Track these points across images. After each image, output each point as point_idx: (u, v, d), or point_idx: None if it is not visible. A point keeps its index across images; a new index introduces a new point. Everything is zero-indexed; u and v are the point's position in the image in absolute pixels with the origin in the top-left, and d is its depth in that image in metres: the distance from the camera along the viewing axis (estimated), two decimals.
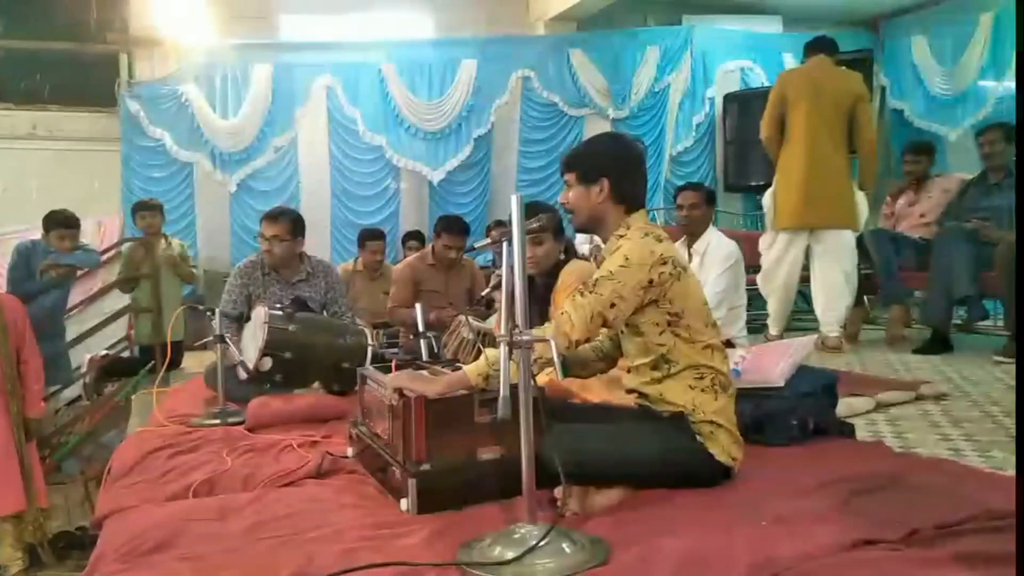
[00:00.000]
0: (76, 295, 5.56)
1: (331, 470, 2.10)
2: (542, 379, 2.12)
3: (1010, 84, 6.20)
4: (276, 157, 6.38)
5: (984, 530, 1.49)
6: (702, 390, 1.82)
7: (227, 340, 2.88)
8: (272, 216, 3.42)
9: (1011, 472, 1.96)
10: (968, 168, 5.02)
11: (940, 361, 3.81)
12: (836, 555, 1.40)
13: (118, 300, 5.51)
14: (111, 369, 5.23)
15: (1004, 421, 2.58)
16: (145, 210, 5.15)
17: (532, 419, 1.53)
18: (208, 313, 3.01)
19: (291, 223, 3.39)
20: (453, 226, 4.16)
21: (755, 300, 6.20)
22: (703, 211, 3.76)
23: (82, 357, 5.30)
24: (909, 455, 2.14)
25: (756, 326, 5.45)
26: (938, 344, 4.05)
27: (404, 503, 1.76)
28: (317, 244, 5.57)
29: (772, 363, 2.35)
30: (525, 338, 1.51)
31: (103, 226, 6.21)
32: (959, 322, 4.43)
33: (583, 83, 6.80)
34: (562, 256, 2.82)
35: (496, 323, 3.00)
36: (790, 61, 7.15)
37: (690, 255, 3.78)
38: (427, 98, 6.58)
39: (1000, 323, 4.44)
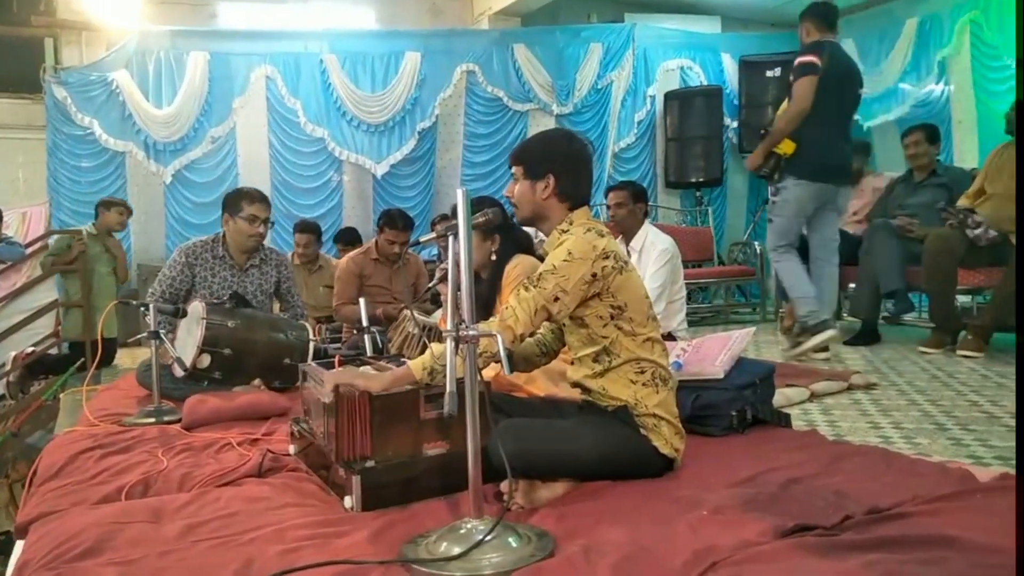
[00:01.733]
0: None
1: (272, 468, 2.06)
2: (488, 374, 2.12)
3: (931, 86, 6.45)
4: (213, 148, 6.19)
5: (912, 514, 1.55)
6: (643, 384, 1.85)
7: (162, 336, 2.79)
8: (264, 199, 3.32)
9: (936, 458, 2.05)
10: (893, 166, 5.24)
11: (869, 352, 3.96)
12: (773, 541, 1.45)
13: (45, 294, 5.29)
14: (37, 367, 5.02)
15: (929, 410, 2.70)
16: (122, 207, 5.09)
17: (478, 414, 1.52)
18: (142, 308, 2.91)
19: (269, 205, 3.37)
20: (396, 220, 4.12)
21: (694, 294, 6.36)
22: (629, 209, 3.80)
23: (6, 354, 5.08)
24: (842, 443, 2.22)
25: (695, 319, 5.58)
26: (867, 336, 4.21)
27: (348, 501, 1.73)
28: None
29: (712, 355, 2.41)
30: (471, 333, 1.51)
31: (28, 217, 5.95)
32: (887, 314, 4.61)
33: (527, 78, 6.81)
34: (494, 257, 2.82)
35: (442, 318, 2.98)
36: (728, 61, 7.32)
37: (628, 252, 3.82)
38: (370, 90, 6.49)
39: (925, 316, 4.64)
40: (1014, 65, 5.69)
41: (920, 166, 4.42)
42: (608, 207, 3.91)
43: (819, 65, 3.71)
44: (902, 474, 1.82)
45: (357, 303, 3.17)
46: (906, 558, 1.36)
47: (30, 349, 5.13)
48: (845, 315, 4.82)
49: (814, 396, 2.94)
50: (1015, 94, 3.85)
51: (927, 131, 4.45)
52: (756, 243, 6.41)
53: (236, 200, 3.25)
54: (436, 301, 4.39)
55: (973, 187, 4.08)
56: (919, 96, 6.49)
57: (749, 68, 7.18)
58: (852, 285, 4.48)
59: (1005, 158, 3.89)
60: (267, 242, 5.49)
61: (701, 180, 7.14)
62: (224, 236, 3.29)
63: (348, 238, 5.56)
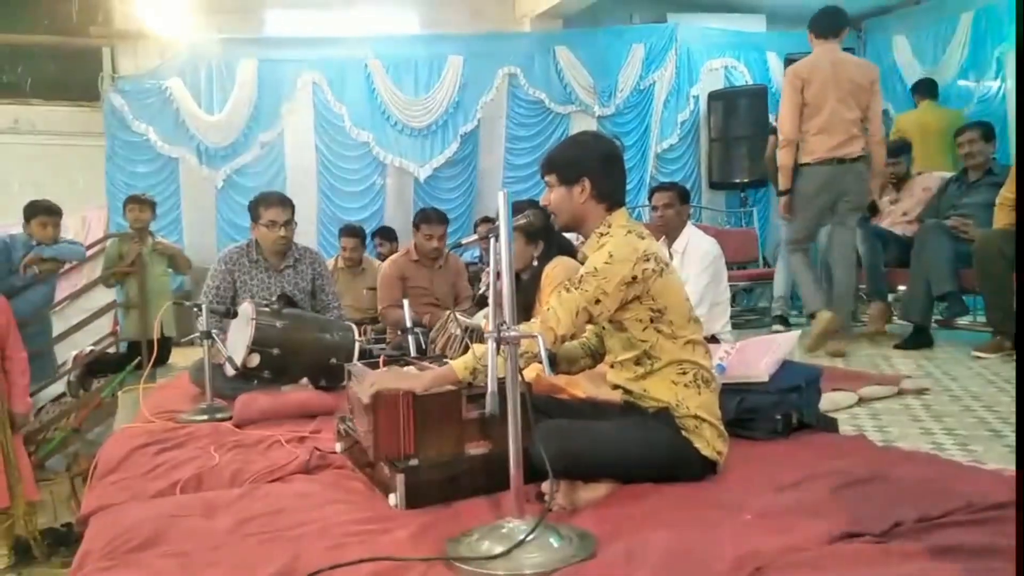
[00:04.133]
0: (61, 290, 5.52)
1: (319, 466, 2.11)
2: (529, 375, 2.13)
3: (989, 83, 6.26)
4: (262, 153, 6.33)
5: (965, 523, 1.52)
6: (685, 385, 1.84)
7: (214, 336, 2.87)
8: (280, 201, 3.37)
9: (992, 465, 2.00)
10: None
11: (921, 356, 3.86)
12: (819, 548, 1.43)
13: (104, 296, 5.47)
14: (97, 365, 5.19)
15: (984, 415, 2.62)
16: (135, 203, 5.12)
17: (520, 414, 1.54)
18: (195, 309, 3.00)
19: (292, 204, 3.42)
20: (431, 215, 4.17)
21: (738, 296, 6.27)
22: (676, 210, 3.77)
23: (67, 353, 5.26)
24: (891, 449, 2.17)
25: (740, 321, 5.50)
26: (919, 339, 4.10)
27: (393, 498, 1.76)
28: (303, 240, 5.53)
29: (756, 358, 2.38)
30: (513, 334, 1.52)
31: (87, 221, 6.16)
32: (940, 318, 4.49)
33: (569, 80, 6.80)
34: (536, 263, 2.84)
35: (484, 320, 3.01)
36: (774, 60, 7.20)
37: (670, 254, 3.79)
38: (413, 94, 6.56)
39: (980, 319, 4.50)
40: None
41: (975, 165, 4.29)
42: (655, 208, 3.88)
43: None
44: (955, 481, 1.78)
45: (401, 306, 3.21)
46: (957, 567, 1.33)
47: (89, 348, 5.30)
48: (896, 318, 4.70)
49: (863, 400, 2.88)
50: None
51: (982, 129, 4.31)
52: None
53: (255, 207, 3.35)
54: (482, 303, 4.43)
55: (1012, 189, 3.83)
56: (978, 93, 6.28)
57: None
58: (903, 288, 4.37)
59: None
60: (313, 245, 5.61)
61: (746, 181, 7.03)
62: (256, 241, 3.40)
63: (385, 233, 5.80)
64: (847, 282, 4.08)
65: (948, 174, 4.61)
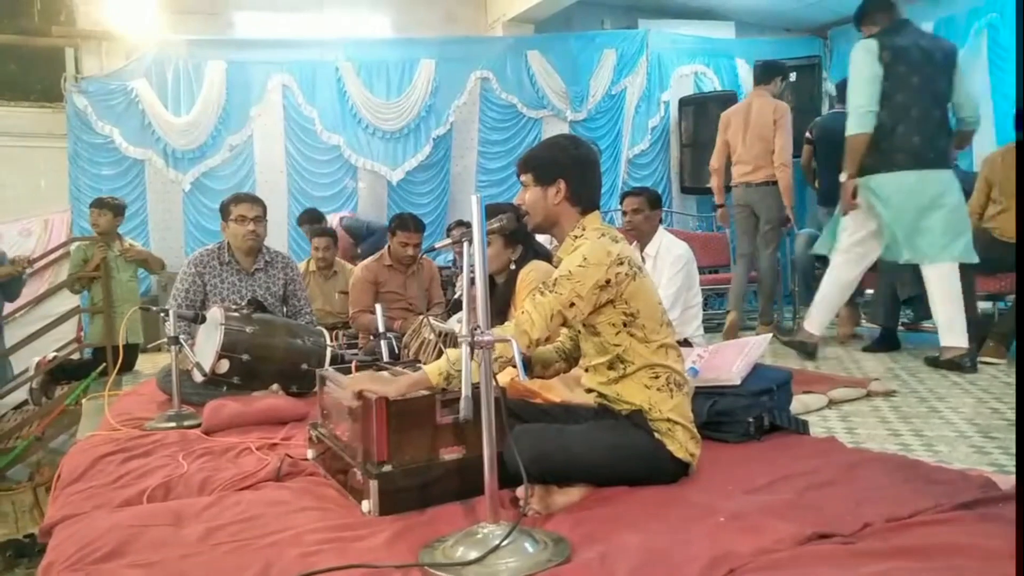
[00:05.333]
0: (24, 295, 5.39)
1: (290, 473, 2.08)
2: (503, 379, 2.13)
3: None
4: (231, 156, 6.25)
5: (932, 523, 1.54)
6: (658, 389, 1.85)
7: (181, 342, 2.82)
8: (250, 198, 3.38)
9: (957, 466, 2.04)
10: None
11: (888, 359, 3.93)
12: (791, 549, 1.44)
13: (67, 301, 5.35)
14: (60, 372, 5.08)
15: (950, 417, 2.67)
16: (96, 207, 5.01)
17: (494, 419, 1.53)
18: (162, 314, 2.95)
19: (263, 203, 3.41)
20: (408, 223, 4.15)
21: (710, 300, 6.33)
22: (645, 215, 3.79)
23: (29, 360, 5.14)
24: (860, 450, 2.20)
25: (711, 325, 5.55)
26: (886, 342, 4.17)
27: (365, 505, 1.75)
28: (274, 244, 5.49)
29: (729, 361, 2.40)
30: (487, 338, 1.52)
31: (50, 225, 6.03)
32: (906, 321, 4.58)
33: (541, 85, 6.83)
34: (513, 266, 2.84)
35: (458, 324, 3.00)
36: (743, 66, 7.29)
37: (643, 258, 3.81)
38: (385, 97, 6.53)
39: None
40: None
41: None
42: (624, 213, 3.91)
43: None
44: (922, 482, 1.81)
45: (373, 311, 3.19)
46: (926, 566, 1.36)
47: (53, 354, 5.19)
48: (864, 322, 4.78)
49: (832, 403, 2.92)
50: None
51: None
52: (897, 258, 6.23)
53: (226, 205, 3.36)
54: (456, 307, 4.41)
55: (978, 198, 3.95)
56: None
57: None
58: (870, 291, 4.45)
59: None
60: (284, 249, 5.56)
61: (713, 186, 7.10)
62: (228, 242, 3.36)
63: (308, 217, 5.70)
64: (767, 286, 4.89)
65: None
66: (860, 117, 3.56)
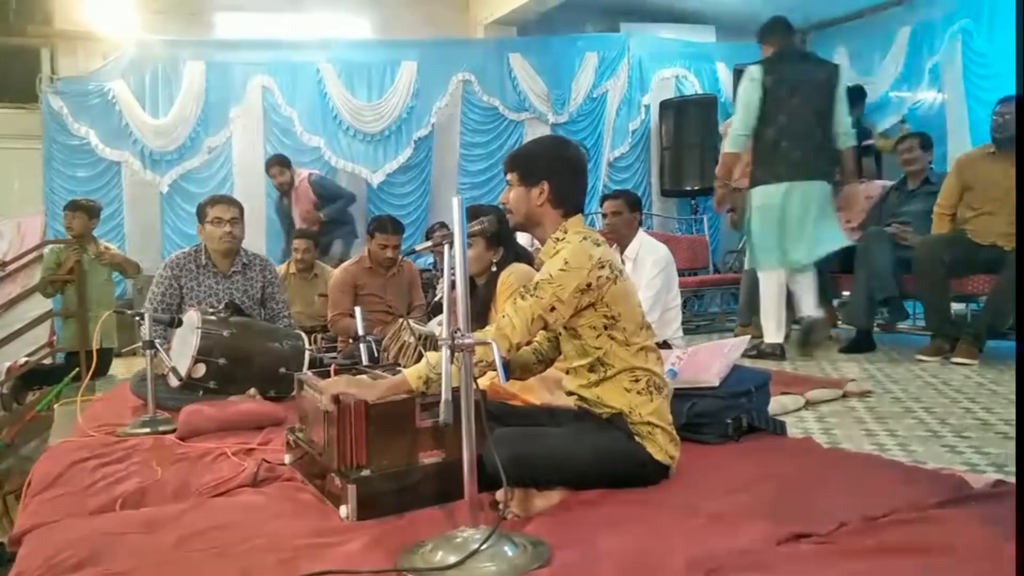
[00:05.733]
0: None
1: (267, 478, 2.05)
2: (483, 382, 2.12)
3: (923, 94, 6.50)
4: (210, 157, 6.19)
5: (907, 521, 1.56)
6: (638, 392, 1.85)
7: (157, 346, 2.79)
8: (226, 199, 3.36)
9: (931, 465, 2.06)
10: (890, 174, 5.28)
11: (864, 360, 3.97)
12: (769, 549, 1.45)
13: (39, 304, 5.27)
14: (32, 377, 5.00)
15: (924, 417, 2.70)
16: (70, 210, 4.94)
17: (474, 422, 1.53)
18: (137, 318, 2.91)
19: (240, 204, 3.39)
20: (387, 225, 4.14)
21: (690, 302, 6.37)
22: (624, 218, 3.81)
23: (0, 365, 5.05)
24: (837, 451, 2.22)
25: (691, 327, 5.59)
26: (862, 343, 4.22)
27: (344, 510, 1.73)
28: (252, 247, 5.44)
29: (707, 363, 2.41)
30: (467, 341, 1.51)
31: (23, 228, 5.94)
32: (882, 322, 4.63)
33: (523, 87, 6.84)
34: (494, 268, 2.83)
35: (438, 327, 2.99)
36: (723, 70, 7.36)
37: (623, 261, 3.83)
38: (366, 99, 6.51)
39: (920, 323, 4.65)
40: (1005, 73, 5.72)
41: (914, 173, 4.44)
42: (604, 216, 3.92)
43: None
44: (897, 481, 1.83)
45: (352, 315, 3.16)
46: (901, 565, 1.37)
47: (24, 359, 5.10)
48: (840, 323, 4.83)
49: (809, 404, 2.94)
50: (1016, 91, 3.85)
51: (920, 139, 4.47)
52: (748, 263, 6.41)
53: (202, 207, 3.33)
54: (436, 310, 4.39)
55: (949, 198, 3.96)
56: (912, 104, 6.53)
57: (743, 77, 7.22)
58: (847, 293, 4.50)
59: (997, 171, 3.74)
60: (262, 251, 5.51)
61: (696, 188, 7.16)
62: (205, 245, 3.33)
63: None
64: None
65: (889, 183, 4.76)
66: (734, 139, 4.04)
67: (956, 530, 1.49)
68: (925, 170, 4.42)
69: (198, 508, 1.83)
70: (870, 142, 5.91)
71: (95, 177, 5.95)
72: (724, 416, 2.27)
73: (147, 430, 2.62)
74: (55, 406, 3.80)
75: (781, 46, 4.06)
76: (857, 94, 5.92)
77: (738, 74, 5.27)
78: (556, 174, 1.90)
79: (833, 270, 4.48)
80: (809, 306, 4.06)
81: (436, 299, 4.62)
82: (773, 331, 4.07)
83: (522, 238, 3.59)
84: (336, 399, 1.79)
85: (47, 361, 5.34)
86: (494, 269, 2.85)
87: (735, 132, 4.02)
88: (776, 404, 2.72)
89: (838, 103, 3.98)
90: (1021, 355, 3.14)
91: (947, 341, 3.84)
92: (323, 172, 6.24)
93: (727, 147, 4.12)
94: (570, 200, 1.92)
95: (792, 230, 3.96)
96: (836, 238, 4.01)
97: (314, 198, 5.74)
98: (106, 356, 4.71)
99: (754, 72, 3.97)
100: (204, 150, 6.15)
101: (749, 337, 3.36)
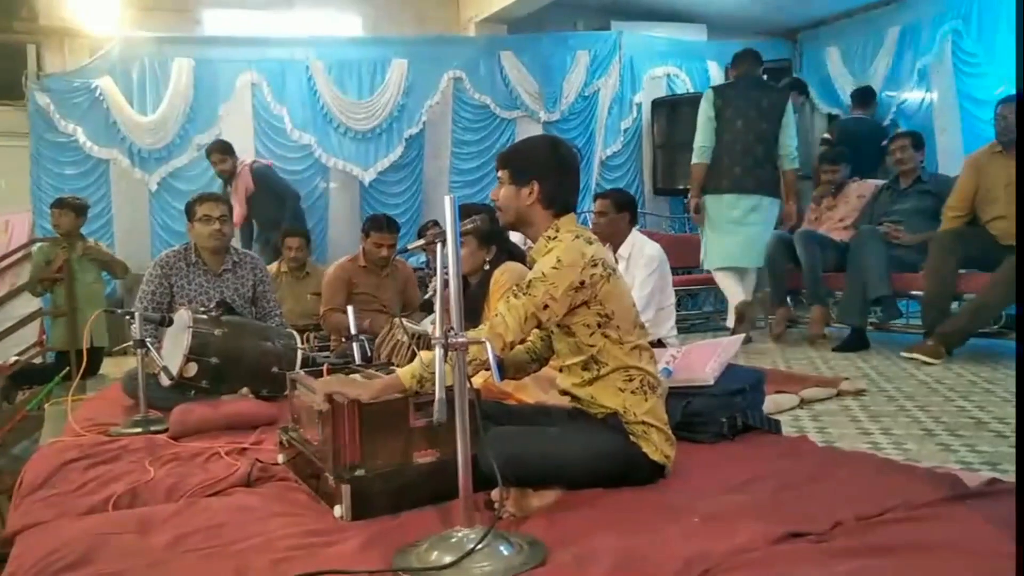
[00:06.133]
0: None
1: (261, 478, 2.04)
2: (477, 381, 2.11)
3: (912, 94, 6.53)
4: (199, 155, 6.12)
5: (902, 520, 1.56)
6: (632, 392, 1.85)
7: (148, 345, 2.77)
8: (214, 197, 3.36)
9: (925, 463, 2.07)
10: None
11: (858, 359, 3.98)
12: (765, 548, 1.45)
13: (28, 303, 5.22)
14: (21, 376, 4.96)
15: (917, 415, 2.71)
16: (57, 207, 4.89)
17: (468, 422, 1.52)
18: (127, 317, 2.89)
19: (227, 203, 3.38)
20: (382, 223, 4.12)
21: (683, 301, 6.38)
22: (609, 218, 3.80)
23: None
24: (831, 449, 2.23)
25: (685, 326, 5.59)
26: (856, 342, 4.23)
27: (338, 510, 1.72)
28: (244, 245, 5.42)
29: (702, 362, 2.41)
30: (461, 340, 1.50)
31: (11, 226, 5.88)
32: (875, 321, 4.64)
33: (514, 85, 6.82)
34: (487, 267, 2.83)
35: (431, 326, 2.97)
36: (714, 68, 7.36)
37: (616, 259, 3.82)
38: (357, 97, 6.47)
39: (913, 322, 4.66)
40: (994, 73, 5.75)
41: (905, 172, 4.45)
42: (594, 215, 3.92)
43: None
44: (891, 480, 1.83)
45: (345, 311, 3.15)
46: (896, 563, 1.37)
47: (14, 359, 5.06)
48: (834, 322, 4.84)
49: (804, 402, 2.95)
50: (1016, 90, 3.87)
51: (912, 138, 4.48)
52: (706, 265, 6.40)
53: (191, 205, 3.32)
54: (427, 308, 4.38)
55: (961, 199, 3.94)
56: (901, 104, 6.57)
57: None
58: (840, 292, 4.51)
59: (1007, 170, 3.70)
60: (254, 250, 5.47)
61: (689, 187, 7.15)
62: (195, 243, 3.31)
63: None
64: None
65: (881, 182, 4.78)
66: (697, 151, 4.61)
67: (951, 528, 1.50)
68: (917, 169, 4.43)
69: (191, 508, 1.82)
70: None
71: (83, 175, 5.89)
72: (719, 415, 2.27)
73: (139, 430, 2.61)
74: (46, 406, 3.77)
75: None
76: (867, 94, 6.02)
77: (728, 71, 5.44)
78: (547, 174, 1.89)
79: (826, 269, 4.50)
80: (738, 295, 4.57)
81: (427, 296, 4.61)
82: (730, 316, 4.58)
83: (515, 236, 3.58)
84: (330, 398, 1.78)
85: (37, 360, 5.29)
86: (487, 268, 2.85)
87: (696, 145, 4.61)
88: (771, 403, 2.72)
89: (784, 128, 4.51)
90: (1021, 355, 3.15)
91: (940, 340, 3.81)
92: (273, 164, 6.08)
93: (693, 159, 4.66)
94: (560, 200, 1.92)
95: (728, 235, 4.55)
96: (752, 257, 4.58)
97: (251, 187, 5.51)
98: (96, 355, 4.68)
99: (708, 95, 4.60)
100: (193, 148, 6.09)
101: (744, 336, 3.36)
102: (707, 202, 4.63)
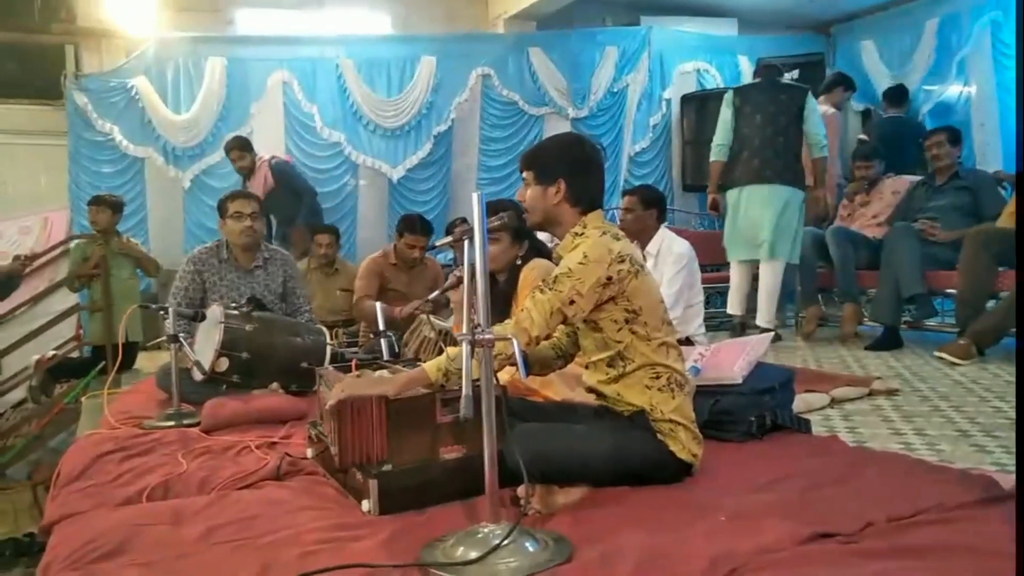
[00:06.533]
0: (22, 294, 5.39)
1: (290, 472, 2.07)
2: (503, 378, 2.12)
3: (952, 88, 6.39)
4: None
5: (935, 522, 1.53)
6: (659, 389, 1.84)
7: (181, 340, 2.82)
8: (246, 194, 3.42)
9: (960, 465, 2.03)
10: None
11: (891, 358, 3.91)
12: (793, 549, 1.43)
13: (66, 299, 5.35)
14: (59, 370, 5.08)
15: (952, 416, 2.66)
16: (94, 205, 5.00)
17: (494, 418, 1.52)
18: (161, 312, 2.94)
19: (258, 200, 3.43)
20: (416, 225, 4.15)
21: (712, 298, 6.31)
22: (638, 214, 3.75)
23: (28, 358, 5.14)
24: (862, 450, 2.19)
25: (713, 324, 5.54)
26: (889, 341, 4.16)
27: (365, 504, 1.74)
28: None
29: (731, 360, 2.39)
30: (487, 336, 1.51)
31: (50, 223, 6.02)
32: (909, 319, 4.56)
33: (542, 82, 6.80)
34: (519, 262, 2.82)
35: (456, 323, 2.99)
36: (745, 63, 7.27)
37: (644, 256, 3.79)
38: (386, 95, 6.51)
39: (948, 320, 4.57)
40: None
41: (942, 168, 4.36)
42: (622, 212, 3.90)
43: None
44: (924, 481, 1.80)
45: (376, 300, 3.18)
46: (928, 566, 1.35)
47: (52, 353, 5.19)
48: (866, 320, 4.76)
49: (835, 402, 2.91)
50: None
51: (949, 133, 4.39)
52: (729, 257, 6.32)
53: (223, 203, 3.37)
54: (446, 304, 4.40)
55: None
56: (940, 98, 6.43)
57: None
58: (873, 289, 4.44)
59: None
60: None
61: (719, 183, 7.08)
62: (227, 240, 3.36)
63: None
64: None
65: (917, 177, 4.69)
66: (715, 149, 4.76)
67: (985, 531, 1.47)
68: (954, 164, 4.34)
69: (222, 501, 1.85)
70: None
71: (119, 173, 6.01)
72: (747, 414, 2.24)
73: (172, 423, 2.66)
74: (82, 399, 3.85)
75: (763, 75, 4.81)
76: (901, 93, 5.90)
77: (759, 66, 5.44)
78: (572, 171, 1.89)
79: (859, 266, 4.42)
80: (737, 301, 4.75)
81: (444, 288, 4.62)
82: (767, 319, 4.59)
83: (541, 235, 3.57)
84: (340, 405, 1.78)
85: (74, 355, 5.41)
86: (519, 262, 2.84)
87: (714, 144, 4.76)
88: (801, 402, 2.69)
89: (807, 118, 4.56)
90: (1021, 355, 3.07)
91: (973, 339, 3.72)
92: (300, 161, 6.13)
93: (711, 157, 4.81)
94: (587, 197, 1.91)
95: (747, 227, 4.58)
96: (777, 249, 4.51)
97: (270, 182, 5.50)
98: (131, 350, 4.77)
99: (727, 95, 4.75)
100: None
101: (773, 334, 3.33)
102: (727, 197, 4.73)
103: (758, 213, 4.51)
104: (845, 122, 6.33)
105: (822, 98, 5.40)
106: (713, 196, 4.84)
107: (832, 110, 5.61)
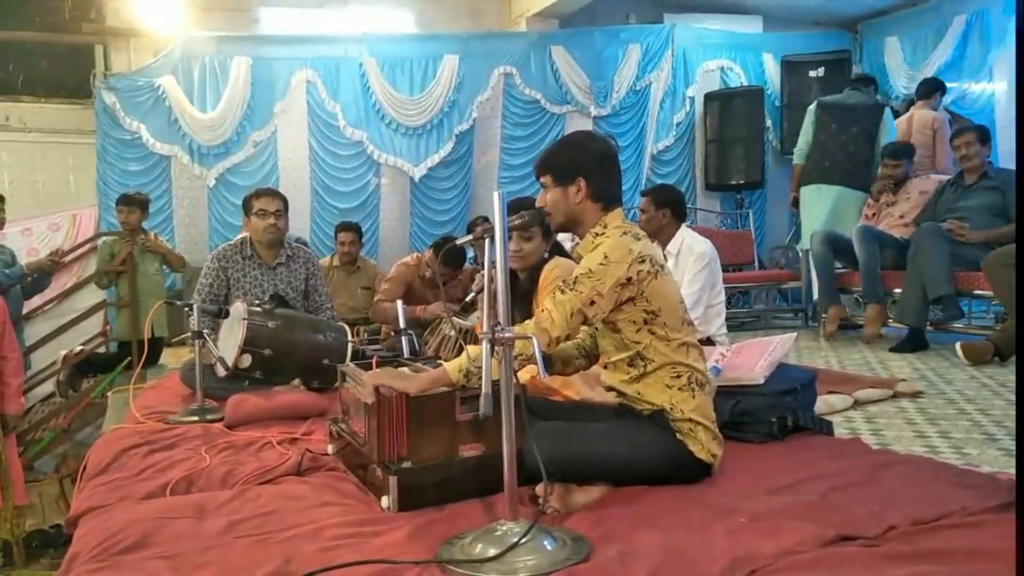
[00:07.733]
0: (51, 289, 5.49)
1: (311, 467, 2.09)
2: (523, 376, 2.12)
3: (979, 86, 6.28)
4: (255, 151, 6.30)
5: (960, 526, 1.51)
6: (679, 389, 1.83)
7: (205, 336, 2.85)
8: (271, 192, 3.44)
9: (986, 469, 1.99)
10: None
11: (916, 359, 3.86)
12: (813, 551, 1.42)
13: (93, 295, 5.44)
14: (86, 365, 5.16)
15: (978, 419, 2.62)
16: (122, 204, 5.08)
17: (514, 416, 1.52)
18: (186, 309, 2.98)
19: (284, 197, 3.46)
20: (448, 257, 4.14)
21: (734, 298, 6.27)
22: (650, 215, 3.72)
23: (56, 353, 5.23)
24: (886, 452, 2.16)
25: (735, 324, 5.50)
26: (914, 342, 4.10)
27: (385, 501, 1.75)
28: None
29: (752, 360, 2.37)
30: (507, 335, 1.51)
31: (78, 220, 6.13)
32: (935, 321, 4.48)
33: (565, 80, 6.79)
34: (546, 255, 2.81)
35: (478, 321, 2.99)
36: (770, 61, 7.21)
37: (665, 256, 3.76)
38: (408, 93, 6.54)
39: (975, 322, 4.49)
40: None
41: (971, 168, 4.28)
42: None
43: None
44: (949, 485, 1.77)
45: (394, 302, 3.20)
46: (951, 570, 1.33)
47: (79, 348, 5.28)
48: (891, 322, 4.69)
49: (858, 404, 2.87)
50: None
51: (979, 132, 4.31)
52: (798, 246, 6.29)
53: (247, 200, 3.41)
54: (474, 307, 4.42)
55: None
56: (965, 96, 6.32)
57: (791, 68, 7.06)
58: (898, 290, 4.37)
59: None
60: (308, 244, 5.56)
61: (742, 182, 7.03)
62: (251, 237, 3.40)
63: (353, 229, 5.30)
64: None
65: (945, 177, 4.61)
66: (797, 153, 5.36)
67: (1011, 536, 1.44)
68: (983, 164, 4.26)
69: (244, 495, 1.87)
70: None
71: (146, 171, 6.10)
72: (769, 415, 2.22)
73: (195, 418, 2.69)
74: (108, 394, 3.92)
75: (850, 87, 5.32)
76: (932, 86, 5.70)
77: (785, 65, 5.43)
78: (590, 169, 1.88)
79: (884, 266, 4.36)
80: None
81: (473, 294, 4.64)
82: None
83: (561, 235, 3.56)
84: (377, 390, 1.80)
85: (101, 350, 5.50)
86: (545, 255, 2.83)
87: (797, 148, 5.36)
88: (823, 403, 2.66)
89: (881, 132, 4.99)
90: (1021, 355, 3.02)
91: (994, 342, 3.65)
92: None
93: (794, 160, 5.43)
94: (608, 193, 1.90)
95: (815, 220, 5.01)
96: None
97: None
98: (157, 345, 4.84)
99: (811, 109, 5.29)
100: (250, 144, 6.25)
101: (795, 335, 3.28)
102: (802, 193, 5.25)
103: (822, 209, 5.03)
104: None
105: (921, 103, 5.34)
106: (793, 194, 5.41)
107: (941, 114, 5.37)
